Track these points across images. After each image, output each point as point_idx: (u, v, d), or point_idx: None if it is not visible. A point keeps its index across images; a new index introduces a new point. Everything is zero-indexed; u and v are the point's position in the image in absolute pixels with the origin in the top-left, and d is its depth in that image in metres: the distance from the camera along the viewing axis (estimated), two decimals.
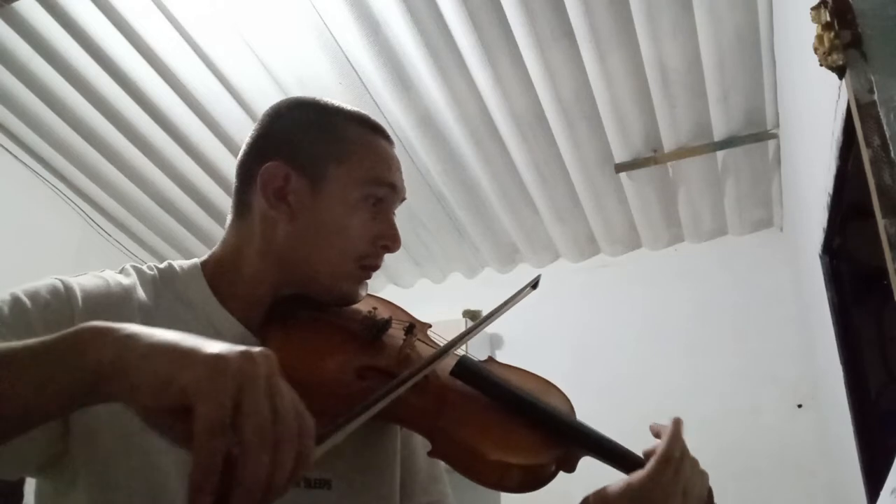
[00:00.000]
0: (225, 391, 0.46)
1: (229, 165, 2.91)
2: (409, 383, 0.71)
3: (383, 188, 0.85)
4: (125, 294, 0.78)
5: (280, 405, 0.47)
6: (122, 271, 0.82)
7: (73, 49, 2.49)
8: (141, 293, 0.79)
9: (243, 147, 0.88)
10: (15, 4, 2.33)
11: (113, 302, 0.76)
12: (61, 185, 3.07)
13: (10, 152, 2.89)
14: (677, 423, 0.81)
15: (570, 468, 0.80)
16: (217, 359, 0.47)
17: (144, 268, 0.84)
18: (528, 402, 0.82)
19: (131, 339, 0.50)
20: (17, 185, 2.91)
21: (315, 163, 0.83)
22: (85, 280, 0.77)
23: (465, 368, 0.83)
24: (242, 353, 0.49)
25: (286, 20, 2.34)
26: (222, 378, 0.46)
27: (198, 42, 2.45)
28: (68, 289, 0.75)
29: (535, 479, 0.76)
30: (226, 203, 3.10)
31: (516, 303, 0.90)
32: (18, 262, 2.53)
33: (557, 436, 0.80)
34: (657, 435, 0.82)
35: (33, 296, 0.72)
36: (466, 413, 0.79)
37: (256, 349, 0.50)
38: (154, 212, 3.19)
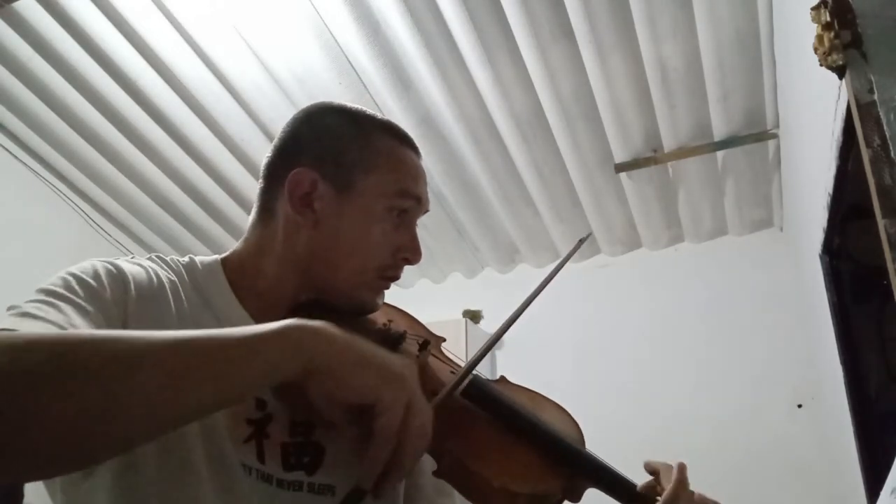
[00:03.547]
0: (404, 407, 0.61)
1: (229, 165, 2.94)
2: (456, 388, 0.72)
3: (409, 200, 0.85)
4: (162, 285, 0.78)
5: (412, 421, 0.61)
6: (151, 260, 0.82)
7: (74, 49, 2.49)
8: (174, 282, 0.80)
9: (271, 148, 0.88)
10: (15, 4, 2.33)
11: (154, 292, 0.76)
12: (61, 185, 3.07)
13: (10, 152, 2.90)
14: (682, 471, 0.78)
15: (576, 498, 0.78)
16: (402, 381, 0.61)
17: (169, 260, 0.84)
18: (538, 427, 0.81)
19: (341, 346, 0.60)
20: (17, 185, 2.92)
21: (343, 171, 0.83)
22: (129, 266, 0.77)
23: (477, 389, 0.81)
24: (411, 375, 0.63)
25: (286, 20, 2.34)
26: (403, 396, 0.61)
27: (198, 42, 2.45)
28: (121, 272, 0.74)
29: None
30: (226, 202, 3.13)
31: (568, 260, 0.94)
32: (18, 263, 2.53)
33: (565, 464, 0.79)
34: (653, 472, 0.80)
35: (94, 275, 0.72)
36: (473, 435, 0.78)
37: (412, 368, 0.65)
38: (154, 212, 3.20)
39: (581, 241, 0.97)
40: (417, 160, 0.89)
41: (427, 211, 0.89)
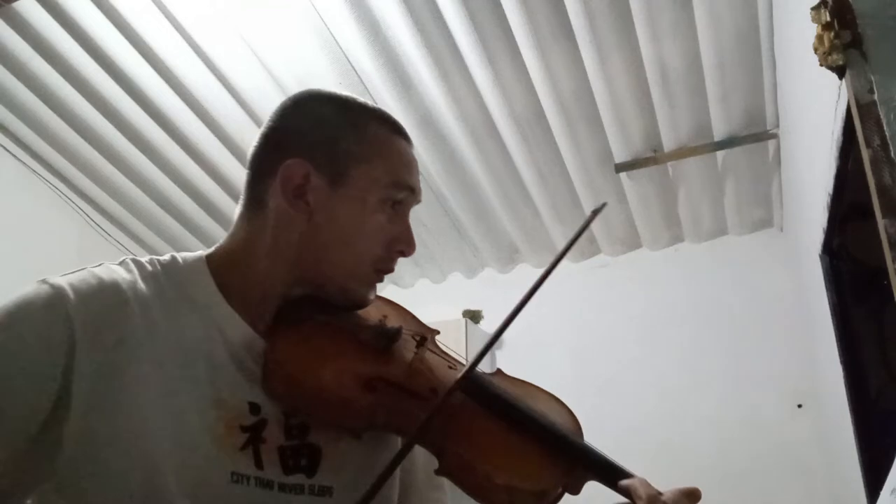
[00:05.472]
0: None
1: (229, 165, 2.94)
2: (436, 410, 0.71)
3: (403, 191, 0.83)
4: (123, 292, 0.74)
5: None
6: (121, 264, 0.78)
7: (73, 49, 2.49)
8: (142, 290, 0.75)
9: (258, 138, 0.85)
10: (15, 4, 2.33)
11: (108, 303, 0.72)
12: (61, 185, 3.07)
13: (10, 152, 2.89)
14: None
15: (576, 491, 0.78)
16: None
17: (145, 261, 0.80)
18: (537, 421, 0.80)
19: None
20: (17, 185, 2.91)
21: (336, 161, 0.80)
22: (77, 280, 0.73)
23: (474, 385, 0.80)
24: None
25: (286, 20, 2.34)
26: None
27: (198, 42, 2.45)
28: (61, 295, 0.70)
29: (541, 502, 0.75)
30: (226, 202, 3.13)
31: (584, 232, 0.92)
32: (18, 263, 2.53)
33: (564, 458, 0.78)
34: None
35: (25, 320, 0.69)
36: (473, 432, 0.78)
37: None
38: (154, 212, 3.19)
39: (595, 213, 0.95)
40: (410, 149, 0.86)
41: (419, 202, 0.87)
